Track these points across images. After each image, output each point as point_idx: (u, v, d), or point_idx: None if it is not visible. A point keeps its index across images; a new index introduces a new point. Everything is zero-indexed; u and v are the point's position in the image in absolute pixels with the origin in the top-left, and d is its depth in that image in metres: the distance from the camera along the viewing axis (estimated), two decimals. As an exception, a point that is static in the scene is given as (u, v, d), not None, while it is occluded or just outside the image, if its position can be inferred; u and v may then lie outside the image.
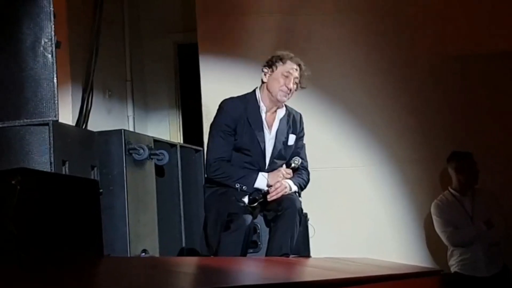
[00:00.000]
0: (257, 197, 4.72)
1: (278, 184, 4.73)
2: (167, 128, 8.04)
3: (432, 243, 6.59)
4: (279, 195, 4.71)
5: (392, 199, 6.65)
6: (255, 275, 3.50)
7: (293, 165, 4.86)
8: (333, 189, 6.64)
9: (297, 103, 6.34)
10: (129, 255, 5.04)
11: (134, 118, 7.77)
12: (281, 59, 4.87)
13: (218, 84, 6.58)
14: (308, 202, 4.97)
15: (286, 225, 4.62)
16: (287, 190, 4.75)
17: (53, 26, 4.46)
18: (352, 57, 6.76)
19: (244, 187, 4.72)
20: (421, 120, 6.67)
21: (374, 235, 6.56)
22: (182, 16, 8.02)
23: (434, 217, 6.37)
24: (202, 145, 6.44)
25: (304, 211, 4.92)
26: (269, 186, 4.73)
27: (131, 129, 7.47)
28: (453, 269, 6.30)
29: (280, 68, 4.86)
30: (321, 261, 4.79)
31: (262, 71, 4.91)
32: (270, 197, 4.71)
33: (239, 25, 6.84)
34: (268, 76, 4.88)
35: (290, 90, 4.85)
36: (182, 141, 7.39)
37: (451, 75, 6.68)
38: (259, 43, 6.63)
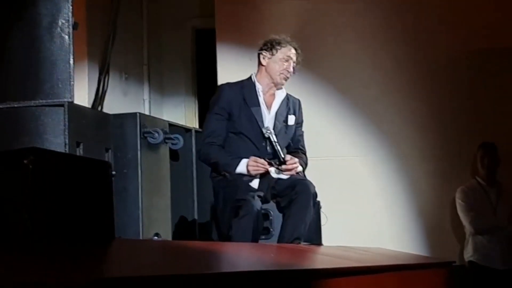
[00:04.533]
0: (273, 162, 4.74)
1: (295, 162, 4.76)
2: (182, 113, 8.03)
3: (437, 237, 6.56)
4: (294, 170, 4.75)
5: (395, 191, 6.62)
6: (265, 261, 3.50)
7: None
8: (344, 179, 6.62)
9: (309, 94, 6.34)
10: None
11: (150, 101, 7.77)
12: (280, 43, 4.92)
13: (234, 70, 6.57)
14: (319, 190, 4.94)
15: (300, 210, 4.60)
16: (299, 168, 4.81)
17: (70, 7, 4.47)
18: (367, 49, 6.71)
19: (227, 174, 4.71)
20: (434, 114, 6.62)
21: (384, 226, 6.55)
22: (200, 2, 8.01)
23: (458, 201, 6.37)
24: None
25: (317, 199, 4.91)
26: (249, 173, 4.67)
27: (147, 112, 7.47)
28: (468, 258, 6.29)
29: (280, 52, 4.90)
30: (332, 250, 4.78)
31: (261, 54, 4.93)
32: (285, 170, 4.74)
33: (257, 11, 6.83)
34: (268, 60, 4.91)
35: (290, 73, 4.91)
36: (198, 127, 7.38)
37: (467, 71, 6.63)
38: (276, 30, 6.60)
